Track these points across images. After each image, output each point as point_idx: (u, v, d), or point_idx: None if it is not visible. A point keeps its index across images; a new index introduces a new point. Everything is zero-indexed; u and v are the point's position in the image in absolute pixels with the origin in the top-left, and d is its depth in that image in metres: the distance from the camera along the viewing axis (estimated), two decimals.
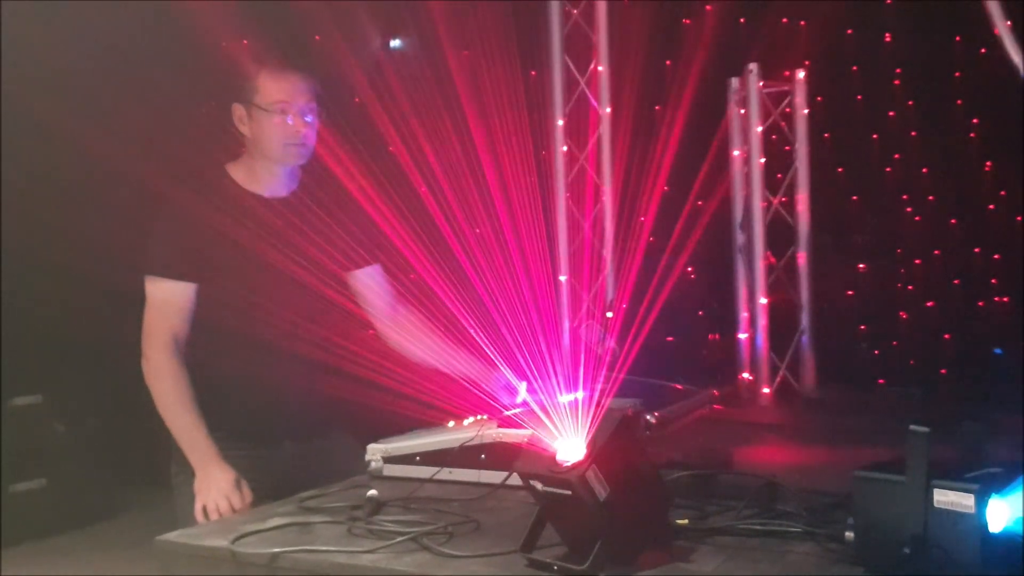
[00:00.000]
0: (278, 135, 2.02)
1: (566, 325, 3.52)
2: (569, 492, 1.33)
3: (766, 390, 3.15)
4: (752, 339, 3.20)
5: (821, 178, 3.31)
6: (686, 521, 1.49)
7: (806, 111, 3.26)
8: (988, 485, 1.23)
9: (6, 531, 3.83)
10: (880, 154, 3.42)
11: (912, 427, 1.26)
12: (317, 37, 3.82)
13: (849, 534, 1.33)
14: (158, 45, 4.11)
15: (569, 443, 1.36)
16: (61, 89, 4.05)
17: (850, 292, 3.48)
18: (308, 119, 2.04)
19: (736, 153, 3.25)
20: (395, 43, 4.14)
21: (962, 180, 3.29)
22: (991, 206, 3.22)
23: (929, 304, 3.35)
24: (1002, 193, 3.20)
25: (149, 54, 4.08)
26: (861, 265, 3.47)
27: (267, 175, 2.09)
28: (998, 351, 3.16)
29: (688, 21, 3.41)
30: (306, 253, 2.08)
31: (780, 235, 3.28)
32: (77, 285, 4.49)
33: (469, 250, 2.24)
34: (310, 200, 2.11)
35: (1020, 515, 1.25)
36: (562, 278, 3.68)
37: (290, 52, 2.15)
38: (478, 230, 2.52)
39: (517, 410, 1.89)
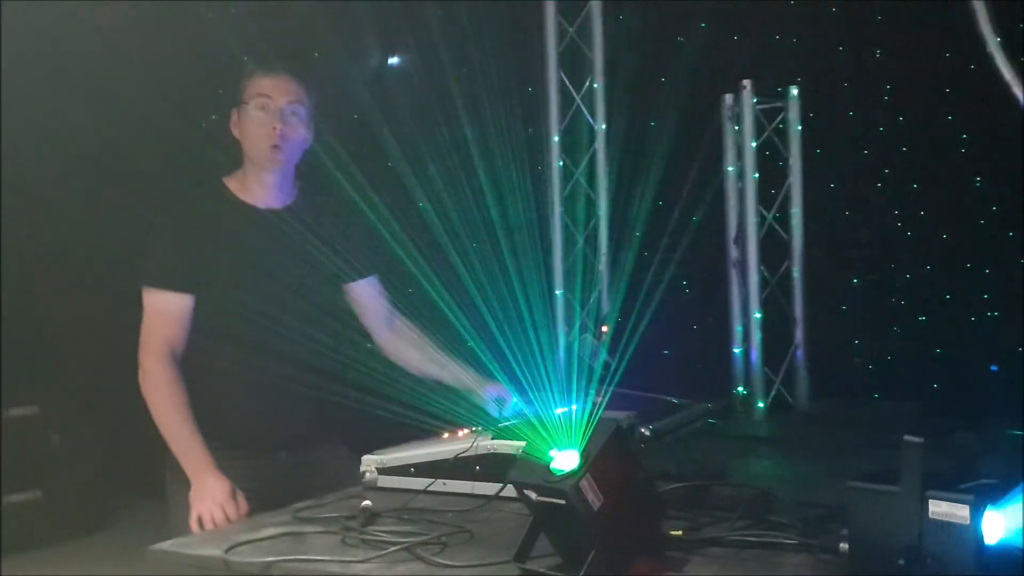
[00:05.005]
0: (258, 133, 2.02)
1: (561, 338, 3.53)
2: (563, 502, 1.33)
3: (760, 404, 3.16)
4: (747, 353, 3.21)
5: (814, 193, 3.33)
6: (680, 532, 1.50)
7: (799, 127, 3.29)
8: (983, 496, 1.22)
9: (3, 542, 3.82)
10: (871, 169, 3.44)
11: (906, 437, 1.27)
12: (316, 54, 3.85)
13: (844, 545, 1.33)
14: (161, 56, 4.14)
15: (563, 453, 1.37)
16: (63, 100, 4.07)
17: (844, 307, 3.50)
18: (291, 120, 2.04)
19: (730, 168, 3.27)
20: (393, 60, 4.18)
21: (953, 195, 3.30)
22: (982, 221, 3.24)
23: (921, 319, 3.37)
24: (993, 208, 3.22)
25: (153, 64, 4.11)
26: (855, 280, 3.48)
27: (258, 185, 2.09)
28: (994, 368, 3.17)
29: (682, 39, 3.44)
30: (301, 265, 2.09)
31: (774, 250, 3.30)
32: (74, 296, 4.49)
33: (466, 263, 2.26)
34: (306, 212, 2.12)
35: (1016, 527, 1.25)
36: (558, 292, 3.70)
37: (286, 57, 2.17)
38: (475, 244, 2.53)
39: (512, 421, 1.90)
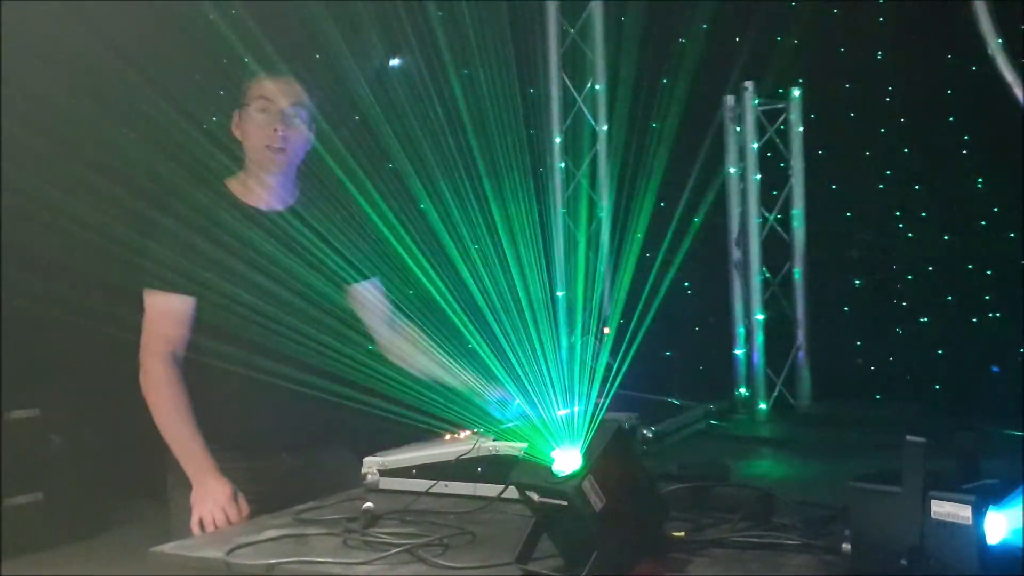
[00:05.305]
0: (259, 135, 2.03)
1: (563, 339, 3.53)
2: (565, 503, 1.33)
3: (762, 405, 3.16)
4: (748, 354, 3.21)
5: (816, 194, 3.33)
6: (682, 533, 1.50)
7: (801, 128, 3.29)
8: (985, 496, 1.23)
9: (4, 544, 3.83)
10: (873, 171, 3.44)
11: (908, 438, 1.27)
12: (317, 55, 3.85)
13: (846, 546, 1.33)
14: (162, 56, 4.14)
15: (566, 454, 1.37)
16: (63, 100, 4.07)
17: (845, 307, 3.50)
18: (294, 122, 2.04)
19: (732, 170, 3.27)
20: (395, 61, 4.19)
21: (954, 196, 3.31)
22: (983, 222, 3.24)
23: (922, 320, 3.37)
24: (994, 209, 3.23)
25: (153, 64, 4.11)
26: (856, 281, 3.48)
27: (259, 186, 2.10)
28: (995, 369, 3.17)
29: (684, 40, 3.44)
30: (303, 266, 2.09)
31: (776, 251, 3.30)
32: (75, 298, 4.49)
33: (467, 264, 2.26)
34: (308, 214, 2.13)
35: (1017, 527, 1.25)
36: (559, 293, 3.70)
37: (287, 59, 2.17)
38: (476, 245, 2.53)
39: (514, 423, 1.90)
